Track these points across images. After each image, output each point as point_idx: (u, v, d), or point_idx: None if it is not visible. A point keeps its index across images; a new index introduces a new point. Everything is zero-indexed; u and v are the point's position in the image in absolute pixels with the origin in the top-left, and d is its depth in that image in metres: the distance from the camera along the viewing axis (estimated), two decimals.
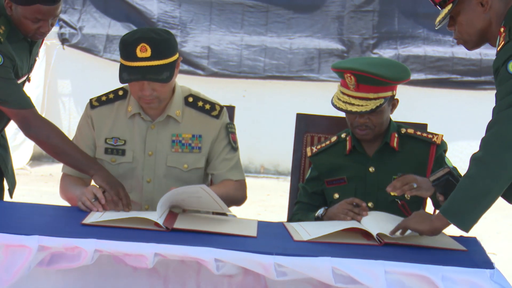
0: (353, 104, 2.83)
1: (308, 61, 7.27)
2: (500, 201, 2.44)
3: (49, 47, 7.29)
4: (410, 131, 2.98)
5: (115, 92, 3.05)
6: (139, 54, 2.78)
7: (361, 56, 7.02)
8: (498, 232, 5.75)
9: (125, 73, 2.81)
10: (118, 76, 2.82)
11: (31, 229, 2.41)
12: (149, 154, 2.97)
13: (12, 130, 4.51)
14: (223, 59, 7.32)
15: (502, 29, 2.43)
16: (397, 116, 3.00)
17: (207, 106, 3.01)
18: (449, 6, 2.50)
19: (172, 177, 2.96)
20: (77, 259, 2.36)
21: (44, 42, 3.38)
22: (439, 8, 2.56)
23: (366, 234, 2.57)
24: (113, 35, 7.34)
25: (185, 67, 7.10)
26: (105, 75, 6.79)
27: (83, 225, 2.54)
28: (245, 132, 5.32)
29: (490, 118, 2.40)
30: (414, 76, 6.95)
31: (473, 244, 2.57)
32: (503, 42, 2.41)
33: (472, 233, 2.45)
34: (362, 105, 2.82)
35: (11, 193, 3.33)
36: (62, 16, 7.27)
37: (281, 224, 2.75)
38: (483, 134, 2.39)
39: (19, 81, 3.09)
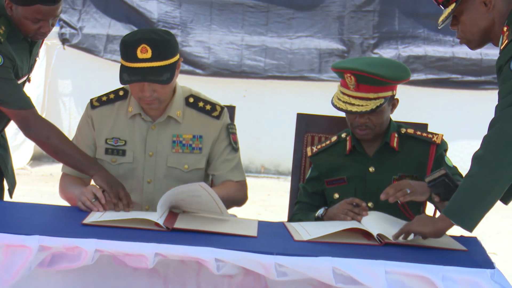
0: (353, 104, 2.83)
1: (308, 61, 7.27)
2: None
3: (50, 47, 7.29)
4: (410, 131, 2.98)
5: (115, 92, 3.05)
6: (140, 55, 2.78)
7: (361, 56, 7.02)
8: (498, 232, 5.75)
9: (126, 74, 2.81)
10: (118, 77, 2.82)
11: (31, 229, 2.41)
12: (150, 155, 2.97)
13: (12, 130, 4.50)
14: (224, 59, 7.32)
15: (505, 28, 2.44)
16: (397, 116, 3.00)
17: (208, 107, 3.01)
18: (452, 6, 2.50)
19: (172, 178, 2.96)
20: (77, 259, 2.36)
21: (44, 42, 3.38)
22: (442, 8, 2.56)
23: (366, 234, 2.57)
24: (113, 35, 7.34)
25: (185, 67, 7.10)
26: (105, 75, 6.79)
27: (83, 225, 2.54)
28: (245, 132, 5.31)
29: (490, 118, 2.40)
30: (414, 76, 6.95)
31: (473, 244, 2.57)
32: (506, 41, 2.42)
33: (472, 233, 2.44)
34: (362, 105, 2.82)
35: (11, 193, 3.33)
36: (63, 16, 7.27)
37: (281, 224, 2.75)
38: (483, 134, 2.39)
39: (19, 82, 3.09)
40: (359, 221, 2.67)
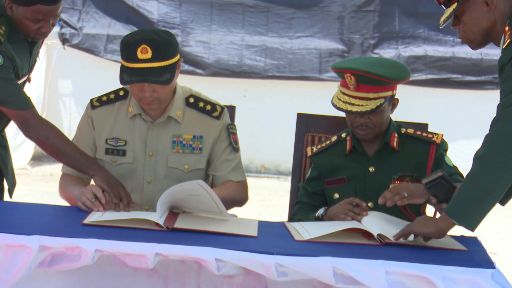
0: (353, 104, 2.83)
1: (308, 61, 7.27)
2: None
3: (50, 47, 7.29)
4: (410, 131, 2.98)
5: (115, 92, 3.04)
6: (140, 55, 2.78)
7: (361, 56, 7.02)
8: (499, 232, 5.75)
9: (126, 75, 2.81)
10: (118, 77, 2.82)
11: (31, 229, 2.41)
12: (150, 155, 2.97)
13: (12, 130, 4.50)
14: (224, 59, 7.32)
15: (507, 28, 2.44)
16: (397, 116, 3.00)
17: (208, 107, 3.01)
18: (454, 5, 2.50)
19: (173, 178, 2.96)
20: (77, 259, 2.36)
21: (44, 42, 3.38)
22: (444, 8, 2.56)
23: (366, 234, 2.57)
24: (113, 35, 7.34)
25: (185, 67, 7.10)
26: (105, 75, 6.78)
27: (83, 225, 2.54)
28: (245, 132, 5.31)
29: (491, 117, 2.40)
30: (414, 76, 6.95)
31: (473, 244, 2.57)
32: (508, 41, 2.42)
33: (472, 233, 2.44)
34: (362, 105, 2.82)
35: (11, 193, 3.33)
36: (63, 16, 7.26)
37: (281, 224, 2.75)
38: (484, 134, 2.39)
39: (20, 82, 3.09)
40: (359, 221, 2.67)
